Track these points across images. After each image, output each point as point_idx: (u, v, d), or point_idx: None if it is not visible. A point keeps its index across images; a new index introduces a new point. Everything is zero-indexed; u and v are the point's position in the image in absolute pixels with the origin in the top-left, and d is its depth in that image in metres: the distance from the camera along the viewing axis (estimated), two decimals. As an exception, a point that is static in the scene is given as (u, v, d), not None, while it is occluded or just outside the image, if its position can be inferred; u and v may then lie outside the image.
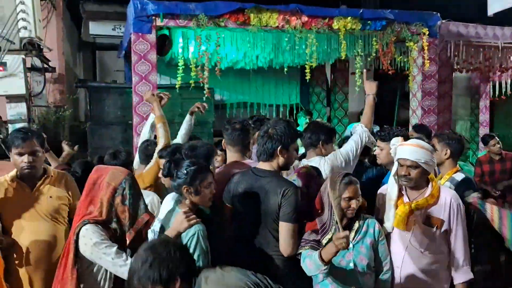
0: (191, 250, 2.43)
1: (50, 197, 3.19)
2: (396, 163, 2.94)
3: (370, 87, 4.02)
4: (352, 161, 3.65)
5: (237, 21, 5.88)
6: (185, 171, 2.62)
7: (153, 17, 5.63)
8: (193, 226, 2.44)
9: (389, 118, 9.96)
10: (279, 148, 2.87)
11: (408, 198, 2.94)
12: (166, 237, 2.39)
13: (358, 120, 8.35)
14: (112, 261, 2.42)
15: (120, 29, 10.32)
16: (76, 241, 2.46)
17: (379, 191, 3.18)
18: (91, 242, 2.42)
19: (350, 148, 3.67)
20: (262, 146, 2.91)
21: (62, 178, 3.34)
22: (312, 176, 3.11)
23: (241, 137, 3.39)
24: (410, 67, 6.99)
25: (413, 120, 7.11)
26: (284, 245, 2.74)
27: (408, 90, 7.43)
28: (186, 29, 6.03)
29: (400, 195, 2.95)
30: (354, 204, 2.70)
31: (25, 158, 3.06)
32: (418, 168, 2.84)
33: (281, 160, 2.90)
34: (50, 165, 4.24)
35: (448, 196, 2.91)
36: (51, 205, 3.18)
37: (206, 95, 6.28)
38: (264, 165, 2.95)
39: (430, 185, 2.92)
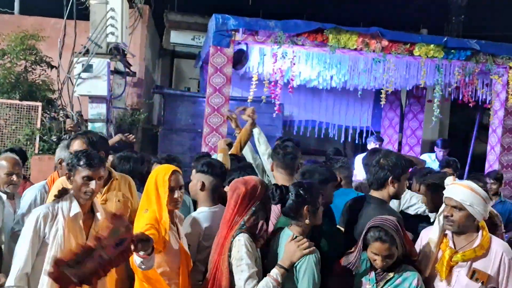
0: (300, 274, 2.41)
1: (118, 200, 3.20)
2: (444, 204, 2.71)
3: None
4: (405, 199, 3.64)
5: (315, 41, 5.85)
6: (304, 191, 2.57)
7: (233, 32, 5.74)
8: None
9: (464, 150, 9.46)
10: (390, 178, 2.96)
11: (454, 244, 2.66)
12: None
13: (431, 150, 8.02)
14: (239, 281, 2.40)
15: (199, 39, 10.67)
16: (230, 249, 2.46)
17: (423, 231, 2.91)
18: (238, 254, 2.43)
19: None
20: (373, 175, 3.01)
21: (126, 181, 3.34)
22: None
23: (293, 161, 3.38)
24: (492, 101, 6.61)
25: (491, 157, 6.70)
26: None
27: (487, 122, 7.03)
28: (263, 45, 6.09)
29: (442, 237, 2.71)
30: (378, 261, 2.50)
31: (93, 184, 2.69)
32: (463, 210, 2.57)
33: (391, 189, 2.98)
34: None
35: (499, 248, 2.59)
36: (120, 208, 3.18)
37: (276, 111, 6.31)
38: (375, 193, 3.04)
39: (480, 234, 2.61)
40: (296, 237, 2.49)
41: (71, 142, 3.28)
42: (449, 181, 2.75)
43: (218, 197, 3.10)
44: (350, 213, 3.08)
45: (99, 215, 2.78)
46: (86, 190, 2.66)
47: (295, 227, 2.58)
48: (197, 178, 3.04)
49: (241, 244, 2.42)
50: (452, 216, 2.59)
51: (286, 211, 2.59)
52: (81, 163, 2.67)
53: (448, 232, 2.69)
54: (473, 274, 2.57)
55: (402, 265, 2.57)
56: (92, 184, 2.67)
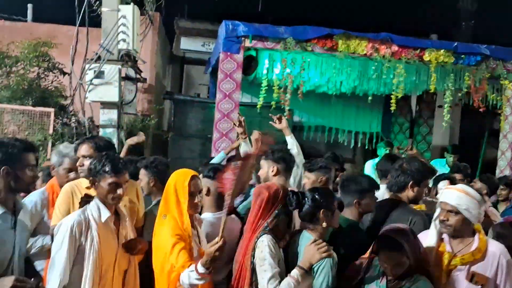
0: (316, 275, 2.50)
1: (125, 205, 3.15)
2: (438, 208, 2.72)
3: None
4: None
5: (324, 46, 5.88)
6: (320, 195, 2.69)
7: (243, 38, 5.79)
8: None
9: (475, 155, 9.39)
10: (410, 183, 3.09)
11: (452, 248, 2.66)
12: None
13: (442, 156, 7.98)
14: (262, 280, 2.49)
15: (209, 45, 10.74)
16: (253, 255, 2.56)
17: (418, 236, 2.83)
18: (261, 254, 2.53)
19: None
20: (394, 178, 3.15)
21: (133, 186, 3.35)
22: None
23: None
24: (502, 106, 6.57)
25: (501, 162, 6.66)
26: None
27: (497, 128, 6.99)
28: (273, 51, 6.13)
29: (439, 241, 2.71)
30: (388, 269, 2.49)
31: (121, 191, 2.67)
32: (458, 214, 2.58)
33: (410, 194, 3.13)
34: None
35: (496, 250, 2.59)
36: (127, 213, 3.12)
37: (286, 117, 6.32)
38: (393, 196, 3.18)
39: (476, 237, 2.62)
40: (315, 240, 2.57)
41: (78, 146, 3.20)
42: (443, 185, 2.79)
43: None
44: (377, 215, 3.17)
45: (124, 217, 2.81)
46: (113, 196, 2.64)
47: (313, 231, 2.67)
48: (202, 183, 3.07)
49: (264, 245, 2.52)
50: (448, 220, 2.61)
51: (303, 216, 2.69)
52: (107, 169, 2.62)
53: (445, 236, 2.70)
54: (472, 277, 2.57)
55: (414, 275, 2.51)
56: (120, 190, 2.65)
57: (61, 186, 3.20)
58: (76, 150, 3.21)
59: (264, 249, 2.51)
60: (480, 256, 2.57)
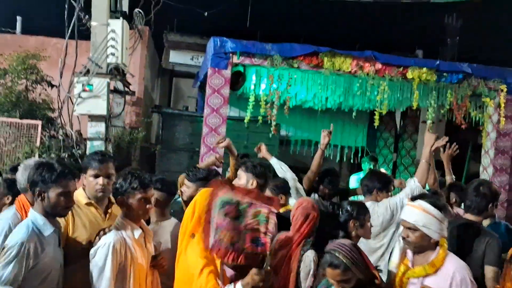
0: None
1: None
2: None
3: (429, 138, 3.94)
4: (398, 213, 3.72)
5: (310, 64, 6.00)
6: (350, 207, 3.01)
7: (231, 54, 5.89)
8: None
9: (459, 170, 9.56)
10: (490, 205, 3.37)
11: (412, 262, 2.73)
12: None
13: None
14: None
15: (198, 59, 10.84)
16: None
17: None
18: (306, 269, 2.72)
19: (399, 199, 3.78)
20: (474, 201, 3.36)
21: None
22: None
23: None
24: (484, 123, 6.74)
25: (483, 177, 6.80)
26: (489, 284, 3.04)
27: (481, 143, 7.14)
28: (260, 67, 6.23)
29: (403, 257, 2.79)
30: (335, 286, 2.43)
31: (100, 180, 2.86)
32: (417, 231, 2.63)
33: (488, 214, 3.46)
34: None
35: (451, 267, 2.59)
36: None
37: (272, 132, 6.43)
38: (471, 217, 3.38)
39: (435, 252, 2.64)
40: None
41: (99, 164, 2.95)
42: (405, 201, 2.91)
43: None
44: (454, 236, 3.29)
45: (149, 232, 2.87)
46: (145, 209, 2.68)
47: (346, 239, 2.78)
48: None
49: (309, 260, 2.72)
50: (408, 237, 2.66)
51: (337, 225, 2.98)
52: (135, 186, 2.63)
53: (408, 252, 2.77)
54: None
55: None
56: (150, 204, 2.70)
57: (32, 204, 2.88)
58: (88, 167, 2.98)
59: (308, 264, 2.71)
60: (433, 271, 2.60)
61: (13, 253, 2.27)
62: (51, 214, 2.49)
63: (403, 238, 2.70)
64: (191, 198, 2.86)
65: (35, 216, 2.48)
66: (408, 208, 2.72)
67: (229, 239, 2.21)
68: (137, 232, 2.67)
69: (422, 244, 2.65)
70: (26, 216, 2.87)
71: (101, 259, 2.50)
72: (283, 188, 3.86)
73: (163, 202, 3.32)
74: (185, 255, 2.54)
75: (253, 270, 2.27)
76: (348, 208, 3.02)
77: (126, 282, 2.56)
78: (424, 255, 2.68)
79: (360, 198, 4.43)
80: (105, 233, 2.62)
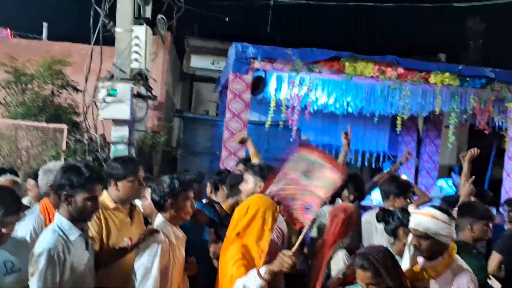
0: None
1: (140, 223, 3.19)
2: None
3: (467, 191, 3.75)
4: None
5: (331, 68, 6.01)
6: (401, 215, 3.08)
7: (252, 60, 5.93)
8: None
9: (482, 175, 9.41)
10: None
11: (422, 268, 2.69)
12: None
13: (448, 175, 8.02)
14: None
15: (218, 63, 10.94)
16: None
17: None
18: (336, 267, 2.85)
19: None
20: None
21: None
22: None
23: None
24: (508, 128, 6.64)
25: (506, 183, 6.70)
26: None
27: (504, 148, 7.03)
28: (281, 72, 6.26)
29: (414, 263, 2.75)
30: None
31: (136, 184, 2.87)
32: (429, 239, 2.58)
33: None
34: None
35: (453, 273, 2.55)
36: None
37: (293, 136, 6.45)
38: None
39: (441, 258, 2.60)
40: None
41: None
42: (411, 208, 2.88)
43: None
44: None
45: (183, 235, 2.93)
46: (188, 211, 2.79)
47: (394, 246, 3.02)
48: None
49: (338, 259, 2.86)
50: (420, 245, 2.61)
51: (387, 231, 3.06)
52: (184, 187, 2.76)
53: (419, 258, 2.72)
54: None
55: None
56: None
57: (55, 207, 2.93)
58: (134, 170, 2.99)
59: (338, 263, 2.83)
60: (433, 275, 2.58)
61: (43, 261, 2.27)
62: (77, 218, 2.46)
63: (415, 247, 2.65)
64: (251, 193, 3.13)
65: (60, 220, 2.45)
66: (416, 216, 2.66)
67: (290, 193, 2.46)
68: (179, 234, 2.76)
69: (435, 251, 2.61)
70: (50, 219, 2.95)
71: (149, 260, 2.55)
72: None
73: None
74: (227, 250, 2.67)
75: (285, 254, 2.39)
76: (399, 215, 3.08)
77: (168, 284, 2.62)
78: (436, 260, 2.65)
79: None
80: (151, 235, 2.65)
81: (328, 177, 2.44)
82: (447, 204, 4.07)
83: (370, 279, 2.38)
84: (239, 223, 2.66)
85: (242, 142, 4.65)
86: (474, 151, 4.36)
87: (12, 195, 2.52)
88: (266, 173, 3.24)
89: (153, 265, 2.54)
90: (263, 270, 2.42)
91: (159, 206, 2.76)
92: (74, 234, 2.43)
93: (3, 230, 2.39)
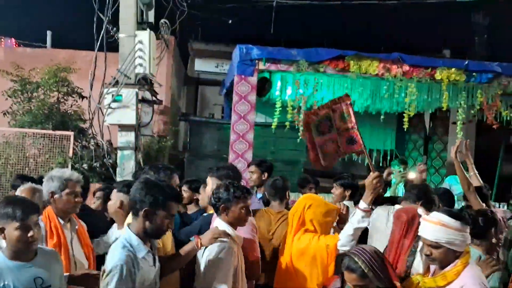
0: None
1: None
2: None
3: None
4: None
5: (336, 68, 5.98)
6: (491, 215, 3.14)
7: (256, 61, 5.92)
8: None
9: (491, 171, 9.32)
10: None
11: (433, 274, 2.56)
12: None
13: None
14: None
15: (223, 66, 10.95)
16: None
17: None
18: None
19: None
20: None
21: None
22: None
23: None
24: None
25: (518, 178, 6.63)
26: None
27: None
28: (286, 73, 6.24)
29: (426, 268, 2.62)
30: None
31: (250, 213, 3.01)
32: (441, 248, 2.42)
33: None
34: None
35: (462, 282, 2.39)
36: None
37: (300, 137, 6.42)
38: None
39: (452, 264, 2.44)
40: (481, 257, 2.90)
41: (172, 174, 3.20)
42: (421, 212, 2.69)
43: None
44: None
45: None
46: (245, 218, 2.91)
47: (481, 246, 3.00)
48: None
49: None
50: (432, 254, 2.46)
51: (474, 232, 2.87)
52: (237, 195, 2.86)
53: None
54: None
55: None
56: (250, 213, 2.96)
57: (64, 213, 3.01)
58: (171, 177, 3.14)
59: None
60: (443, 284, 2.44)
61: (116, 277, 2.25)
62: (151, 235, 2.45)
63: (427, 255, 2.50)
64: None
65: (130, 236, 2.40)
66: (425, 224, 2.50)
67: (332, 150, 3.13)
68: (240, 241, 2.90)
69: (447, 259, 2.45)
70: (50, 228, 2.91)
71: (223, 261, 2.68)
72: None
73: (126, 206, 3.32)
74: (298, 240, 3.18)
75: (370, 176, 2.93)
76: (490, 215, 3.14)
77: (240, 284, 2.80)
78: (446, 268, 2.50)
79: None
80: (225, 235, 2.74)
81: (339, 114, 3.15)
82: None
83: (356, 281, 2.32)
84: (295, 222, 3.19)
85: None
86: (463, 144, 4.29)
87: (27, 200, 2.55)
88: (222, 172, 3.37)
89: (229, 267, 2.68)
90: (362, 204, 2.92)
91: (216, 209, 2.91)
92: (142, 251, 2.40)
93: (30, 233, 2.33)
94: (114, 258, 2.31)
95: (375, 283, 2.29)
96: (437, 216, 2.46)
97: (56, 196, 2.98)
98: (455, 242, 2.41)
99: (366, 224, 3.02)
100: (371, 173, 2.99)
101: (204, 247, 2.70)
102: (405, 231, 2.79)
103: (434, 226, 2.44)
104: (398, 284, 2.39)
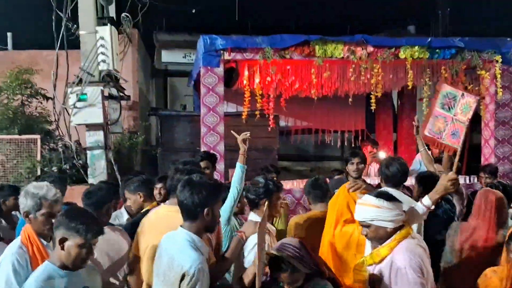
0: None
1: None
2: None
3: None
4: None
5: (302, 53, 5.97)
6: None
7: (222, 51, 5.86)
8: None
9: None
10: None
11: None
12: None
13: (428, 148, 8.09)
14: None
15: (190, 56, 10.83)
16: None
17: None
18: None
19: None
20: None
21: None
22: None
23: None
24: (482, 96, 6.71)
25: (486, 150, 6.80)
26: None
27: (481, 115, 7.10)
28: (252, 61, 6.21)
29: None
30: (284, 285, 2.53)
31: None
32: (370, 226, 2.62)
33: None
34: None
35: (393, 255, 2.57)
36: None
37: (271, 125, 6.43)
38: None
39: (389, 240, 2.62)
40: None
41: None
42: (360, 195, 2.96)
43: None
44: None
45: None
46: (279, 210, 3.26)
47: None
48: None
49: None
50: (366, 234, 2.67)
51: None
52: (276, 188, 3.15)
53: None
54: (371, 281, 2.65)
55: (313, 281, 2.54)
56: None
57: (39, 235, 2.69)
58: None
59: None
60: (378, 260, 2.62)
61: (199, 278, 2.30)
62: (206, 230, 2.53)
63: (364, 235, 2.71)
64: None
65: (192, 237, 2.42)
66: (357, 207, 2.71)
67: (439, 127, 3.47)
68: (273, 230, 3.19)
69: (380, 236, 2.63)
70: (33, 251, 2.62)
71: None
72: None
73: None
74: (341, 228, 3.37)
75: (446, 177, 2.89)
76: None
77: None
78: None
79: None
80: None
81: (465, 102, 3.26)
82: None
83: (288, 278, 2.49)
84: (333, 215, 3.41)
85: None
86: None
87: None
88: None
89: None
90: (426, 201, 2.88)
91: (254, 204, 3.10)
92: (203, 247, 2.46)
93: (90, 254, 2.37)
94: (189, 261, 2.31)
95: (303, 271, 2.49)
96: (365, 199, 2.69)
97: (31, 216, 2.70)
98: (380, 219, 2.59)
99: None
100: (450, 173, 2.93)
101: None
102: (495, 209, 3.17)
103: (363, 207, 2.66)
104: (324, 267, 2.62)
